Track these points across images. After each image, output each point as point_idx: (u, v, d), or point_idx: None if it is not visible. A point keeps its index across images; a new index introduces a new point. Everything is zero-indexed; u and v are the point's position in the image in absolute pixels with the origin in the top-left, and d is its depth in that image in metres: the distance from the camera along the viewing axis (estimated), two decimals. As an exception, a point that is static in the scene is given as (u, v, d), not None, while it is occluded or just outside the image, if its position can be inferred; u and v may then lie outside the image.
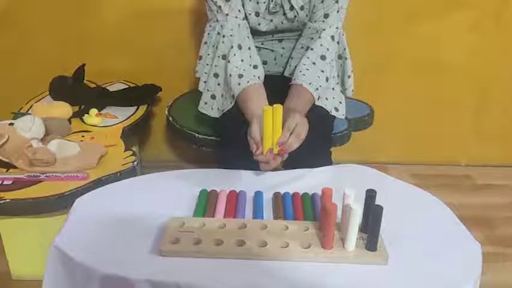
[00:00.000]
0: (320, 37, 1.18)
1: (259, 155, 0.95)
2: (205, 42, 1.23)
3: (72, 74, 1.62)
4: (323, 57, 1.17)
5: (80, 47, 1.79)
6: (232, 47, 1.16)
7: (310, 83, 1.11)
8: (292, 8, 1.19)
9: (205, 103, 1.23)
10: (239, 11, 1.17)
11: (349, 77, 1.28)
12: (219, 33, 1.18)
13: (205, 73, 1.22)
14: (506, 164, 2.03)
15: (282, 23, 1.23)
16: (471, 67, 1.85)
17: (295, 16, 1.20)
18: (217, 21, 1.18)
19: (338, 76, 1.28)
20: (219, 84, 1.19)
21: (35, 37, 1.78)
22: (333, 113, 1.21)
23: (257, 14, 1.20)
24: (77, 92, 1.60)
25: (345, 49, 1.24)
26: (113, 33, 1.77)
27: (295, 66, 1.19)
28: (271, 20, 1.22)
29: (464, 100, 1.92)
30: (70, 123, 1.45)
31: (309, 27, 1.21)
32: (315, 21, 1.19)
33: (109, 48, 1.80)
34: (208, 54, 1.21)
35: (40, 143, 1.24)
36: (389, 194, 0.85)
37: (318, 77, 1.14)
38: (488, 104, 1.93)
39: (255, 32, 1.25)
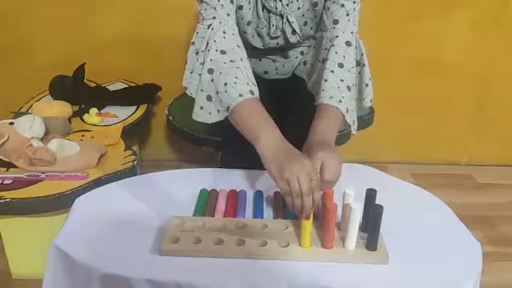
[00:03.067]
0: (333, 45, 1.09)
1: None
2: (193, 43, 1.05)
3: (72, 73, 1.62)
4: (341, 65, 1.07)
5: (80, 47, 1.79)
6: (239, 46, 1.02)
7: (331, 97, 1.01)
8: (294, 32, 1.14)
9: (201, 108, 1.01)
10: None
11: (367, 85, 1.16)
12: (213, 29, 1.03)
13: (191, 72, 1.03)
14: (507, 163, 2.03)
15: (285, 42, 1.19)
16: (471, 67, 1.85)
17: (298, 41, 1.16)
18: (214, 18, 1.04)
19: (355, 85, 1.14)
20: (212, 81, 0.99)
21: (35, 37, 1.78)
22: (352, 127, 1.07)
23: (260, 36, 1.17)
24: (77, 91, 1.60)
25: (362, 55, 1.14)
26: (113, 33, 1.78)
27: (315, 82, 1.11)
28: (277, 43, 1.19)
29: (464, 99, 1.92)
30: (70, 123, 1.45)
31: (322, 38, 1.13)
32: (327, 30, 1.12)
33: (109, 48, 1.80)
34: (197, 53, 1.04)
35: (40, 143, 1.24)
36: (389, 193, 0.85)
37: (338, 87, 1.04)
38: (489, 104, 1.93)
39: (256, 47, 1.20)
